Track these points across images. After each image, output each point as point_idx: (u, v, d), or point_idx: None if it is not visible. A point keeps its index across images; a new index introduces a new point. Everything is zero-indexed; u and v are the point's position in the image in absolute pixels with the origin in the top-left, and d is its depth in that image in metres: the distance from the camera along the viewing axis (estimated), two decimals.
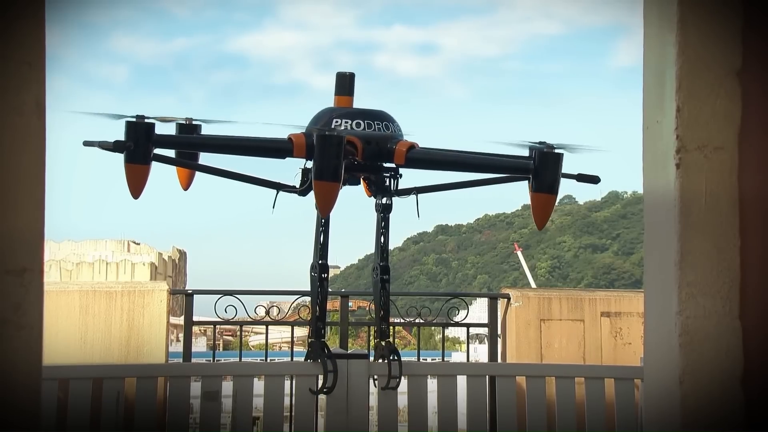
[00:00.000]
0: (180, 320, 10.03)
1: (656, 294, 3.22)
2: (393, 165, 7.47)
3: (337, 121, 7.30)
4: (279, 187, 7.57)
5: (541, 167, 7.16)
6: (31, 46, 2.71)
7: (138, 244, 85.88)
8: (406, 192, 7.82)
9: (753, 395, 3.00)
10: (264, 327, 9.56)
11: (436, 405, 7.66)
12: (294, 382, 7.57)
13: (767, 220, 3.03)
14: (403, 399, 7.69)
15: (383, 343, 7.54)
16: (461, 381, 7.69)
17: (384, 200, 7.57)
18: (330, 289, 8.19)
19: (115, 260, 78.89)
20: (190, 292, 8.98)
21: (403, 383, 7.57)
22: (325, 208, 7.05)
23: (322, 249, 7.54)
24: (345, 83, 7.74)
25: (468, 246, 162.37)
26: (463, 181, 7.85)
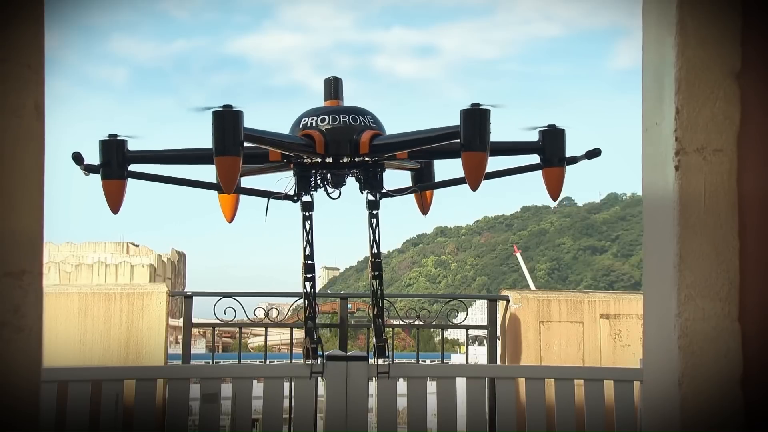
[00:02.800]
0: (179, 322, 10.02)
1: (655, 296, 3.22)
2: (372, 161, 7.62)
3: (304, 120, 7.51)
4: (269, 195, 7.71)
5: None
6: (30, 48, 2.71)
7: (137, 246, 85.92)
8: (407, 190, 7.94)
9: (752, 397, 3.00)
10: (263, 329, 9.57)
11: (436, 407, 7.66)
12: (293, 384, 7.57)
13: (766, 222, 3.04)
14: (402, 401, 7.69)
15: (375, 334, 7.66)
16: (461, 383, 7.69)
17: (369, 197, 7.70)
18: (329, 291, 8.25)
19: (114, 262, 78.93)
20: (189, 294, 8.99)
21: (403, 385, 7.57)
22: (228, 184, 7.08)
23: (307, 248, 7.66)
24: (330, 88, 7.96)
25: (467, 248, 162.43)
26: (463, 177, 7.94)
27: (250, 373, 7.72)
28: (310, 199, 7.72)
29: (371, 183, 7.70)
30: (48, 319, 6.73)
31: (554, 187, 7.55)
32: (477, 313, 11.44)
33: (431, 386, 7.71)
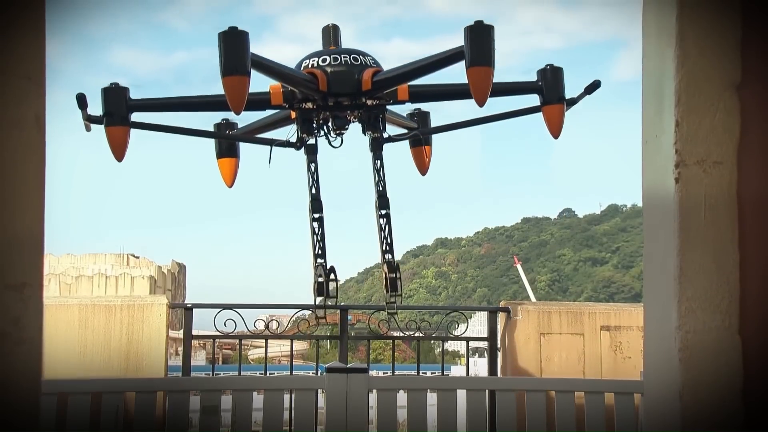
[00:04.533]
0: (179, 334, 10.01)
1: (656, 308, 3.22)
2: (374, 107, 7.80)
3: (306, 62, 7.66)
4: (272, 142, 7.88)
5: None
6: (31, 60, 2.71)
7: (137, 257, 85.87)
8: (407, 135, 8.12)
9: (753, 409, 3.00)
10: (263, 340, 9.55)
11: (436, 419, 7.64)
12: (293, 396, 7.56)
13: (767, 235, 3.03)
14: (402, 413, 7.67)
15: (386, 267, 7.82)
16: (461, 395, 7.67)
17: (372, 134, 7.90)
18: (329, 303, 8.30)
19: (114, 274, 78.89)
20: (189, 306, 8.98)
21: (403, 397, 7.56)
22: (236, 104, 7.15)
23: (313, 188, 7.86)
24: (329, 34, 8.17)
25: (467, 259, 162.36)
26: (467, 121, 8.18)
27: (251, 385, 7.70)
28: (313, 142, 7.89)
29: (373, 125, 7.87)
30: (48, 330, 6.73)
31: (555, 125, 7.72)
32: (477, 324, 11.42)
33: (432, 398, 7.69)
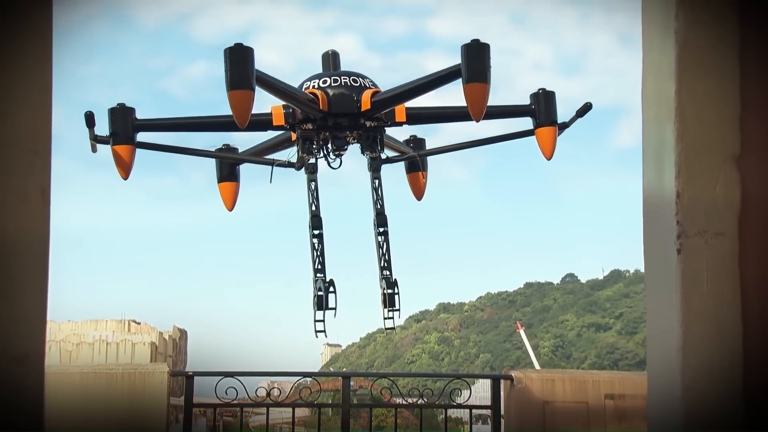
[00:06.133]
0: (180, 400, 9.95)
1: (659, 378, 3.20)
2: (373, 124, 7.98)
3: (307, 83, 7.88)
4: (273, 162, 8.08)
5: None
6: (37, 133, 2.74)
7: (138, 323, 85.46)
8: (404, 157, 8.30)
9: None
10: (265, 409, 9.48)
11: None
12: None
13: None
14: None
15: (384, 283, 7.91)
16: None
17: (370, 155, 8.10)
18: (331, 369, 8.34)
19: (115, 340, 78.44)
20: (190, 374, 8.93)
21: None
22: (241, 117, 7.30)
23: (313, 205, 8.02)
24: (329, 60, 8.41)
25: (470, 324, 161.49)
26: (463, 143, 8.40)
27: None
28: (313, 161, 8.09)
29: (371, 145, 8.09)
30: (49, 399, 6.67)
31: (547, 146, 7.96)
32: (481, 390, 11.35)
33: None
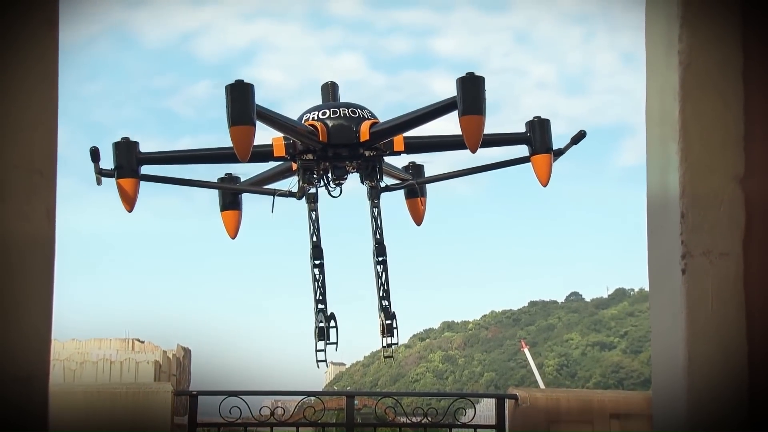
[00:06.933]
0: (184, 419, 9.92)
1: (664, 400, 3.19)
2: (371, 154, 8.08)
3: (306, 115, 7.99)
4: (274, 192, 8.16)
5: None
6: (43, 154, 2.75)
7: (142, 342, 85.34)
8: (403, 185, 8.39)
9: None
10: (269, 429, 9.45)
11: None
12: None
13: None
14: None
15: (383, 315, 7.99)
16: None
17: (369, 183, 8.19)
18: (335, 387, 8.37)
19: (119, 359, 78.28)
20: (194, 393, 8.92)
21: None
22: (242, 152, 7.38)
23: (314, 235, 8.08)
24: (328, 91, 8.55)
25: (474, 343, 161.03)
26: (460, 171, 8.51)
27: None
28: (314, 191, 8.18)
29: (370, 174, 8.17)
30: (53, 418, 6.66)
31: (543, 173, 8.06)
32: (485, 410, 11.31)
33: None
